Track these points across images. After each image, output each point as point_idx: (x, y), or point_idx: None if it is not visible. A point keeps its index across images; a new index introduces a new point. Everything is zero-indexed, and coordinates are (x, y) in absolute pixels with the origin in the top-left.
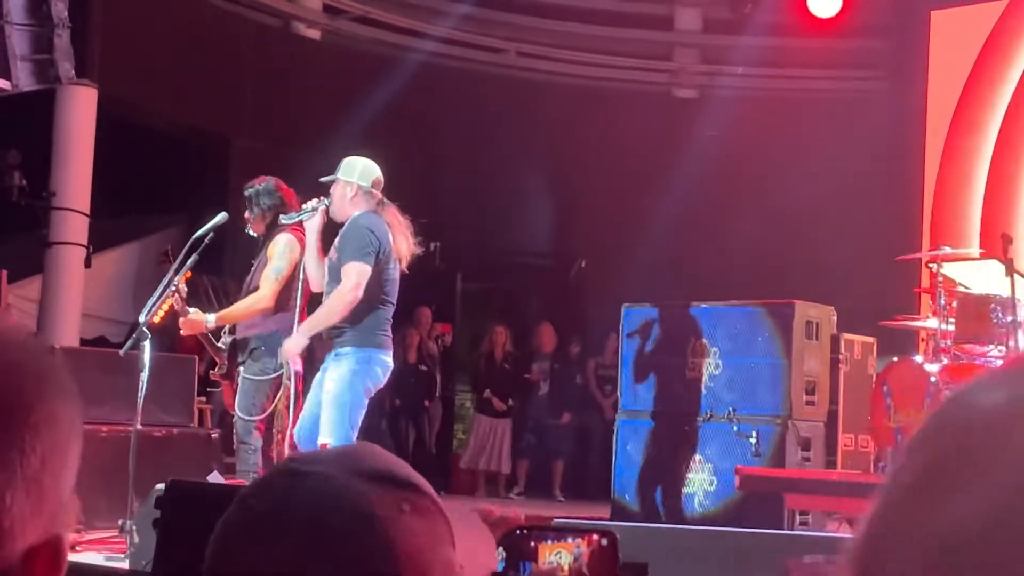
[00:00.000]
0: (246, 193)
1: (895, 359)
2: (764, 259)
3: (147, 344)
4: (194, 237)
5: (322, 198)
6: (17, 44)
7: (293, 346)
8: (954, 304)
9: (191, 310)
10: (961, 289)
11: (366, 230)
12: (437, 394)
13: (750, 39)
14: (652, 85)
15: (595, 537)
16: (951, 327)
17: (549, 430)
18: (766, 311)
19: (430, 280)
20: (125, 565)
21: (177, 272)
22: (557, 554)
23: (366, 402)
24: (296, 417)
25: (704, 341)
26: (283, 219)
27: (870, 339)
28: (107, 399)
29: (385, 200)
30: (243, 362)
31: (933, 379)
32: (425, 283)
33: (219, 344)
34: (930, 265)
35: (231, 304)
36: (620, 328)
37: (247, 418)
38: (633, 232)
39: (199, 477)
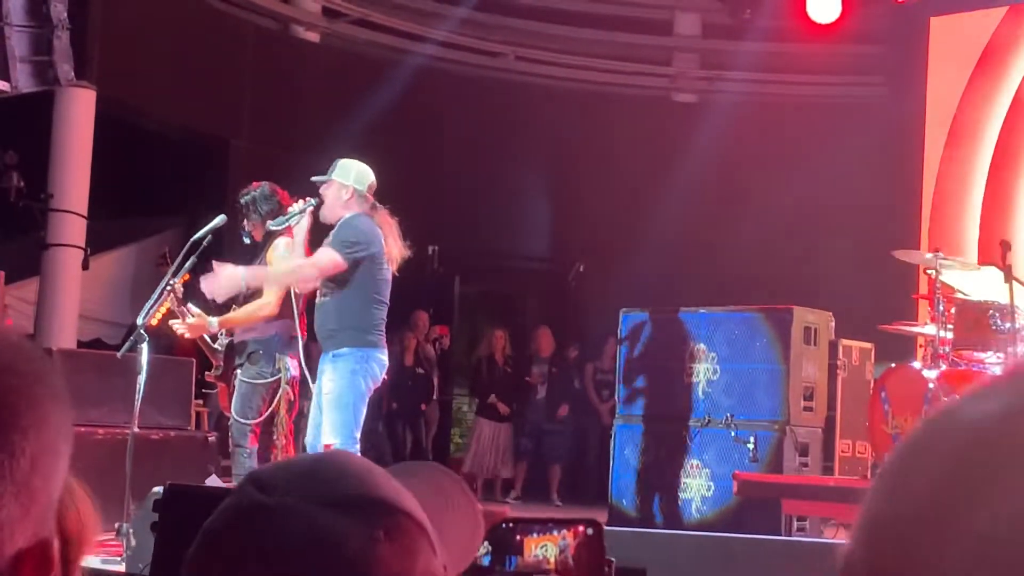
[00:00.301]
0: (242, 200)
1: (893, 365)
2: (762, 264)
3: (144, 347)
4: (192, 239)
5: (308, 199)
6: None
7: (228, 278)
8: (953, 311)
9: (196, 310)
10: (960, 296)
11: (359, 230)
12: (434, 397)
13: (749, 44)
14: (651, 90)
15: (580, 528)
16: (950, 333)
17: (546, 434)
18: (764, 316)
19: (428, 283)
20: (122, 568)
21: (175, 275)
22: (543, 547)
23: (367, 400)
24: (293, 422)
25: (702, 346)
26: (270, 224)
27: (868, 345)
28: (104, 401)
29: (377, 204)
30: (240, 365)
31: (931, 385)
32: (423, 286)
33: (216, 346)
34: (928, 271)
35: (229, 307)
36: (618, 333)
37: (243, 421)
38: (632, 237)
39: (196, 480)
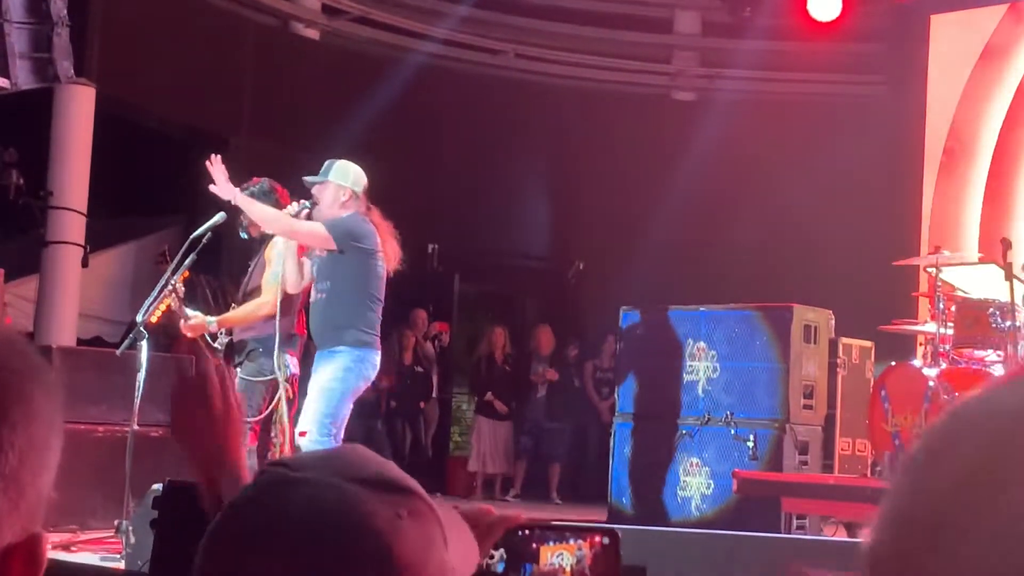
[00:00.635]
0: None
1: (893, 363)
2: (762, 262)
3: (144, 344)
4: (191, 237)
5: (303, 201)
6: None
7: (223, 187)
8: (953, 308)
9: (192, 314)
10: (960, 294)
11: (356, 223)
12: (433, 395)
13: (749, 43)
14: (651, 88)
15: (597, 538)
16: (950, 331)
17: (546, 433)
18: (764, 315)
19: (428, 282)
20: (121, 565)
21: (175, 272)
22: (559, 555)
23: (353, 399)
24: (293, 419)
25: (702, 344)
26: None
27: (868, 343)
28: (104, 399)
29: (371, 205)
30: (239, 363)
31: (931, 383)
32: (423, 285)
33: (215, 345)
34: (929, 269)
35: (228, 305)
36: (618, 331)
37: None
38: (631, 235)
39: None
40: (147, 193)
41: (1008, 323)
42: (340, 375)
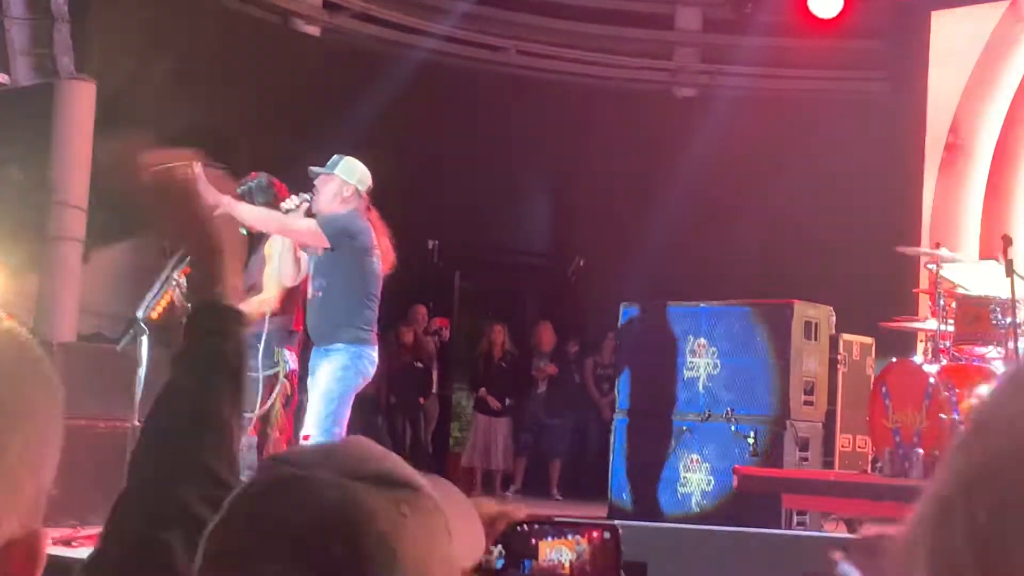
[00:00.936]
0: (239, 190)
1: (894, 360)
2: (763, 258)
3: (145, 339)
4: None
5: (302, 194)
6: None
7: (209, 196)
8: (953, 305)
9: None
10: (960, 290)
11: (347, 219)
12: (433, 391)
13: (751, 39)
14: (652, 84)
15: (596, 533)
16: (950, 328)
17: (546, 429)
18: (765, 311)
19: (428, 278)
20: None
21: (175, 267)
22: (558, 551)
23: (353, 397)
24: (292, 415)
25: (702, 341)
26: None
27: (869, 340)
28: (104, 394)
29: (371, 206)
30: None
31: (932, 380)
32: (423, 281)
33: None
34: (929, 266)
35: None
36: (618, 327)
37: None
38: (632, 231)
39: None
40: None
41: (1009, 320)
42: (339, 375)
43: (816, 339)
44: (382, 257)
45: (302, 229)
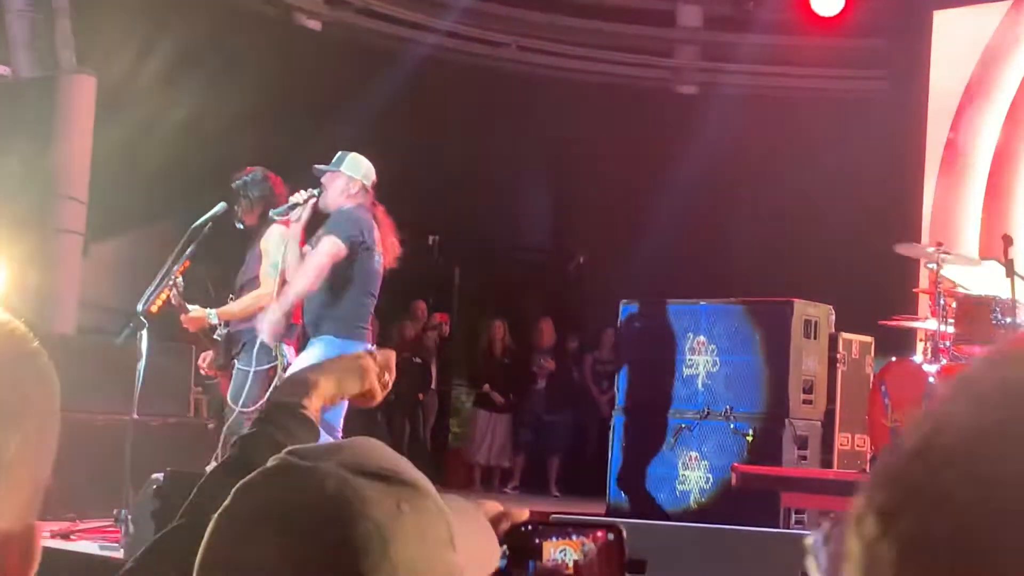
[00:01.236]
0: (234, 185)
1: (893, 359)
2: (763, 256)
3: (144, 333)
4: (192, 227)
5: (310, 190)
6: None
7: (271, 319)
8: (953, 305)
9: (191, 308)
10: (960, 290)
11: (356, 218)
12: (432, 387)
13: (752, 37)
14: (653, 81)
15: (600, 533)
16: (950, 328)
17: (546, 426)
18: (764, 309)
19: (428, 273)
20: (120, 555)
21: (175, 262)
22: (562, 551)
23: None
24: None
25: (702, 338)
26: (272, 213)
27: (868, 338)
28: (103, 388)
29: (376, 201)
30: (237, 354)
31: (932, 380)
32: (423, 276)
33: (215, 337)
34: (929, 265)
35: (228, 294)
36: (617, 324)
37: (240, 409)
38: (632, 228)
39: (195, 467)
40: (148, 183)
41: (1009, 320)
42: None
43: (816, 338)
44: (386, 251)
45: (325, 257)
